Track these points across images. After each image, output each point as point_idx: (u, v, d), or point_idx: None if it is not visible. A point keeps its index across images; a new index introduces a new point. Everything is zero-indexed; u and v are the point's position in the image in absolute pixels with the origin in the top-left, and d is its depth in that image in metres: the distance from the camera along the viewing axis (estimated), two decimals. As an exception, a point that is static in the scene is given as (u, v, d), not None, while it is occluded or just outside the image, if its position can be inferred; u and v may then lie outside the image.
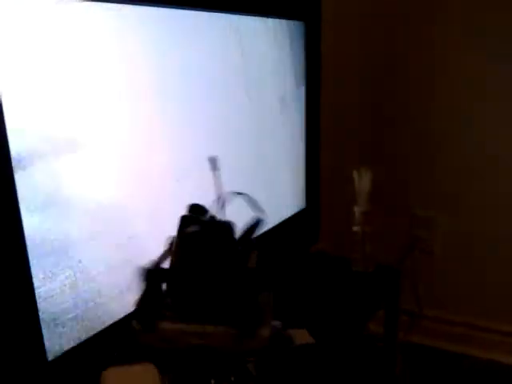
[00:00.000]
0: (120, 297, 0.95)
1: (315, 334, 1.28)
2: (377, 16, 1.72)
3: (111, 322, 0.94)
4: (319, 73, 1.54)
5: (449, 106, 1.70)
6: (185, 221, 0.65)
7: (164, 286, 0.62)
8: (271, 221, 1.40)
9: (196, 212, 0.67)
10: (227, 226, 0.62)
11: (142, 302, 0.61)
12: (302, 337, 0.66)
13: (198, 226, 0.62)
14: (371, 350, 1.65)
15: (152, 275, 0.60)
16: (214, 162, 0.73)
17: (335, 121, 1.73)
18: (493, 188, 1.70)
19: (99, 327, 0.91)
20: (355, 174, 1.50)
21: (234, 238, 0.63)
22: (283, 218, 1.46)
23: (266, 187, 1.38)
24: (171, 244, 0.66)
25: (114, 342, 0.92)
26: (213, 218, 0.65)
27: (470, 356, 1.76)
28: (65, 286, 0.84)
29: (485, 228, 1.73)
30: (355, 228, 1.52)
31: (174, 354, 0.61)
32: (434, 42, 1.67)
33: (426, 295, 1.80)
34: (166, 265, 0.65)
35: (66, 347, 0.86)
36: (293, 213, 1.51)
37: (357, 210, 1.52)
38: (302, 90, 1.47)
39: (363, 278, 1.54)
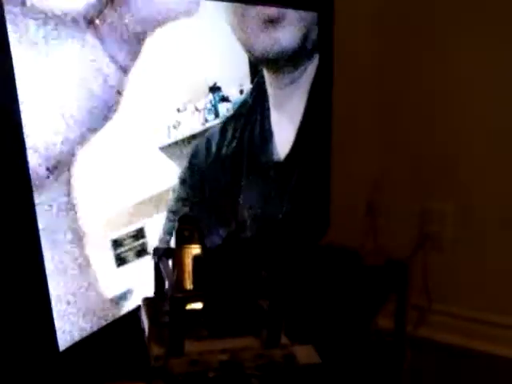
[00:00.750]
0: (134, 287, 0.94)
1: (323, 328, 1.28)
2: (391, 8, 1.71)
3: (123, 312, 0.93)
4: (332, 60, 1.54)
5: (460, 95, 1.69)
6: (181, 234, 0.65)
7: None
8: (280, 212, 1.40)
9: (188, 223, 0.67)
10: (245, 241, 0.63)
11: (170, 327, 0.59)
12: (306, 355, 0.64)
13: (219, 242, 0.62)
14: (379, 344, 1.65)
15: (179, 301, 0.58)
16: None
17: (346, 111, 1.71)
18: (506, 181, 1.69)
19: (111, 318, 0.91)
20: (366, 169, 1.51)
21: (253, 252, 0.63)
22: (291, 211, 1.45)
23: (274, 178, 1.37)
24: (174, 259, 0.65)
25: (125, 333, 0.92)
26: (231, 234, 0.65)
27: (481, 351, 1.74)
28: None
29: (497, 223, 1.71)
30: (365, 221, 1.53)
31: (201, 376, 0.60)
32: (447, 27, 1.66)
33: (436, 289, 1.79)
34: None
35: (78, 337, 0.85)
36: (301, 205, 1.50)
37: (367, 202, 1.53)
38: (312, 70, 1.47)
39: (373, 272, 1.53)
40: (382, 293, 1.52)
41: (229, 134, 1.17)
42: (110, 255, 0.90)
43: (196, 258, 0.62)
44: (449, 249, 1.79)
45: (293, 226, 1.46)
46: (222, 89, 1.13)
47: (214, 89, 1.11)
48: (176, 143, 1.02)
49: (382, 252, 1.55)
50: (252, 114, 1.25)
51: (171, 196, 1.01)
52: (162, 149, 0.98)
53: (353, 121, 1.78)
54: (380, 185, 1.55)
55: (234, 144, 1.19)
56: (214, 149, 1.13)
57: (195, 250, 0.63)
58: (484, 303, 1.76)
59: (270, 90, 1.30)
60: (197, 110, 1.06)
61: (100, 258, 0.87)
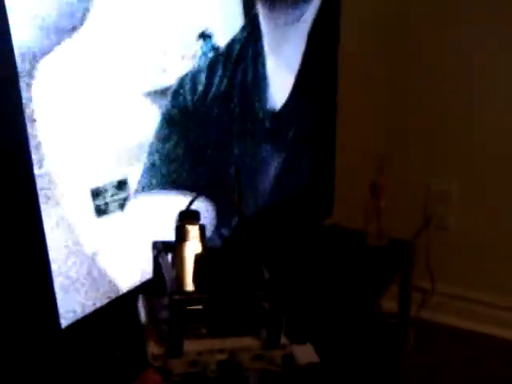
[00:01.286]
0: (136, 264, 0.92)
1: (327, 311, 1.27)
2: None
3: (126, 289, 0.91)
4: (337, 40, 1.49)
5: (465, 78, 1.66)
6: (182, 229, 0.63)
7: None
8: (284, 193, 1.37)
9: (188, 219, 0.64)
10: (247, 241, 0.60)
11: (170, 328, 0.57)
12: (305, 355, 0.62)
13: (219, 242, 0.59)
14: (382, 326, 1.64)
15: (179, 304, 0.56)
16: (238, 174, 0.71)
17: (351, 92, 1.68)
18: (510, 160, 1.66)
19: (114, 294, 0.89)
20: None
21: (255, 252, 0.61)
22: (296, 191, 1.42)
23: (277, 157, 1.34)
24: (174, 255, 0.63)
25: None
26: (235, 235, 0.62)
27: (484, 333, 1.73)
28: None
29: (501, 202, 1.69)
30: (370, 201, 1.50)
31: (200, 376, 0.58)
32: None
33: (439, 271, 1.77)
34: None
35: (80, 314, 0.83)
36: (306, 185, 1.47)
37: (372, 182, 1.50)
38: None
39: (377, 253, 1.52)
40: (386, 274, 1.51)
41: (217, 76, 1.07)
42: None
43: (198, 256, 0.59)
44: (453, 230, 1.77)
45: (295, 207, 1.44)
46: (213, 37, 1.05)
47: (205, 36, 1.04)
48: (161, 90, 0.95)
49: (385, 233, 1.52)
50: (244, 54, 1.15)
51: (153, 145, 0.95)
52: (147, 94, 0.92)
53: (358, 97, 1.74)
54: (384, 165, 1.52)
55: (222, 88, 1.09)
56: (200, 91, 1.03)
57: (196, 247, 0.61)
58: (488, 285, 1.75)
59: (264, 28, 1.19)
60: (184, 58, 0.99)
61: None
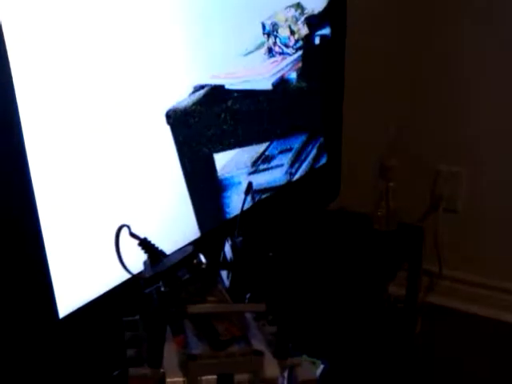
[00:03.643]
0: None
1: (335, 296, 1.24)
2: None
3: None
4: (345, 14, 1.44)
5: (477, 63, 1.62)
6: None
7: None
8: (289, 175, 1.32)
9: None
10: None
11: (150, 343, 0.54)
12: (305, 371, 0.59)
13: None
14: (390, 310, 1.61)
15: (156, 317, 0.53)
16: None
17: (360, 72, 1.63)
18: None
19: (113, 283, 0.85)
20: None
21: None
22: (302, 173, 1.37)
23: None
24: None
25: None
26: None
27: (491, 318, 1.70)
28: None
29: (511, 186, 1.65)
30: (379, 183, 1.46)
31: None
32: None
33: (448, 255, 1.74)
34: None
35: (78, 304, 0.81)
36: (312, 167, 1.42)
37: (380, 164, 1.46)
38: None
39: (386, 237, 1.48)
40: (395, 258, 1.47)
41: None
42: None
43: None
44: (461, 213, 1.74)
45: (301, 190, 1.39)
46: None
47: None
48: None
49: (395, 216, 1.48)
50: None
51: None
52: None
53: (367, 78, 1.70)
54: (393, 147, 1.48)
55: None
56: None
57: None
58: (496, 269, 1.72)
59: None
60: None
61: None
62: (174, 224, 0.98)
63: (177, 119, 0.94)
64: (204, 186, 1.05)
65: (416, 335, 1.61)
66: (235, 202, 1.12)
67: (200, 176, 1.04)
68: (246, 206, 1.12)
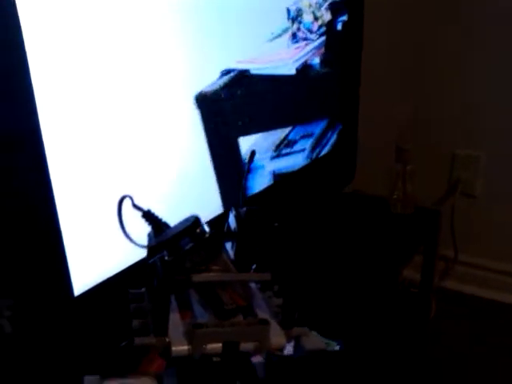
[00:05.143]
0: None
1: (350, 279, 1.23)
2: None
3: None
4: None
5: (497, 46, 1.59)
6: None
7: None
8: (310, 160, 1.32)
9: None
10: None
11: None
12: (312, 341, 0.58)
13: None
14: (405, 295, 1.60)
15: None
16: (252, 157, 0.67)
17: (376, 54, 1.61)
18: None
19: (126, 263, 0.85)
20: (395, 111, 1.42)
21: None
22: (316, 155, 1.37)
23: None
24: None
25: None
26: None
27: (506, 303, 1.69)
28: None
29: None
30: (396, 166, 1.44)
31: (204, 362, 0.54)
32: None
33: (464, 240, 1.72)
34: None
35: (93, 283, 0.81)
36: (327, 149, 1.42)
37: (396, 147, 1.44)
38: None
39: (402, 220, 1.46)
40: (411, 241, 1.46)
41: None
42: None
43: None
44: (479, 198, 1.72)
45: (317, 172, 1.39)
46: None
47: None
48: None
49: (412, 200, 1.46)
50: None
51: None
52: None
53: (384, 61, 1.68)
54: (410, 130, 1.46)
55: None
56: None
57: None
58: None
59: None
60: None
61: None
62: (201, 201, 1.00)
63: (205, 102, 0.97)
64: (229, 168, 1.07)
65: (430, 320, 1.60)
66: (258, 185, 1.15)
67: (225, 158, 1.06)
68: (265, 186, 1.15)
